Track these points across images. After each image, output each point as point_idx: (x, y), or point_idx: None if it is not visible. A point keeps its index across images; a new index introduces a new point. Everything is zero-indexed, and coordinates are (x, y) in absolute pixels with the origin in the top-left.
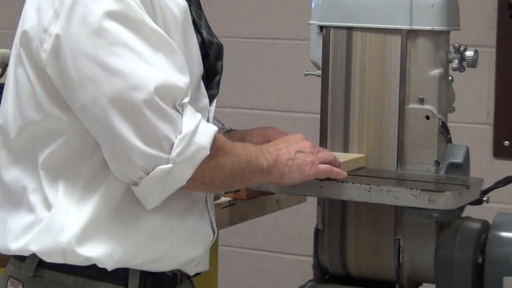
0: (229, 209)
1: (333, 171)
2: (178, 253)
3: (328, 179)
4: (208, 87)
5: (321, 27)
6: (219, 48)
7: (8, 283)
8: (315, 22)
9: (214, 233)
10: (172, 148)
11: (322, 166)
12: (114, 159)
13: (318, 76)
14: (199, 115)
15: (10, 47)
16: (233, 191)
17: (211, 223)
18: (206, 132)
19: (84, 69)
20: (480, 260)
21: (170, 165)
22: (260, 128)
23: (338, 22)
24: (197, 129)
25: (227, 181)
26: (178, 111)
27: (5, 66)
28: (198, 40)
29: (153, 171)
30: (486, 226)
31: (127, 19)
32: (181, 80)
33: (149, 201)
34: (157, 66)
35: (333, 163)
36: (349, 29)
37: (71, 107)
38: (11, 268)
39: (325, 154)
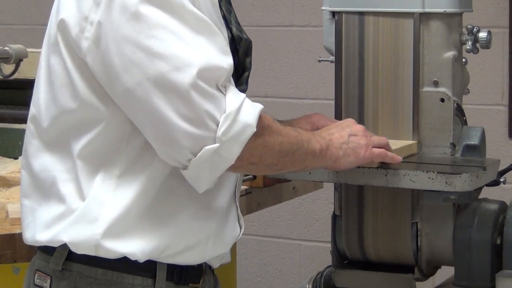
0: (246, 197)
1: (387, 155)
2: (206, 248)
3: (382, 164)
4: (237, 83)
5: (333, 13)
6: (248, 44)
7: (36, 277)
8: (327, 8)
9: (240, 228)
10: (217, 128)
11: (377, 150)
12: (161, 142)
13: (331, 62)
14: (243, 95)
15: (23, 43)
16: (251, 179)
17: (238, 217)
18: (251, 110)
19: (127, 54)
20: (498, 241)
21: (217, 145)
22: (307, 116)
23: (350, 7)
24: (241, 107)
25: (277, 162)
26: (221, 91)
27: (19, 61)
28: (228, 35)
29: (200, 152)
30: (503, 207)
31: (166, 3)
32: (224, 60)
33: (200, 183)
34: (199, 47)
35: (386, 147)
36: (361, 14)
37: (111, 95)
38: (38, 262)
39: (378, 138)
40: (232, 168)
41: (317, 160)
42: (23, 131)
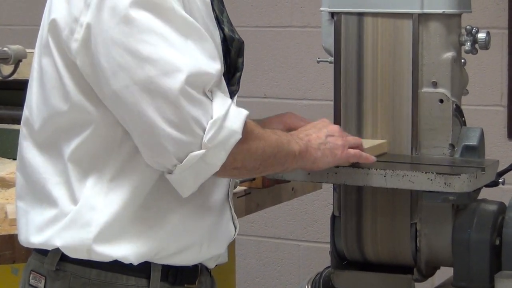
0: (245, 198)
1: (362, 155)
2: (200, 249)
3: (356, 164)
4: (229, 83)
5: (332, 14)
6: (241, 45)
7: (30, 277)
8: (326, 8)
9: (235, 229)
10: (204, 134)
11: (352, 151)
12: (147, 147)
13: (330, 62)
14: (229, 100)
15: (22, 44)
16: (250, 179)
17: (232, 218)
18: (237, 116)
19: (115, 57)
20: (497, 242)
21: (202, 151)
22: (278, 115)
23: (349, 8)
24: (227, 114)
25: (259, 166)
26: (207, 96)
27: (18, 62)
28: (220, 36)
29: (186, 158)
30: (502, 208)
31: (156, 7)
32: (212, 66)
33: (184, 188)
34: (187, 53)
35: (360, 147)
36: (360, 14)
37: (101, 97)
38: (33, 262)
39: (353, 138)
40: (216, 174)
41: (297, 161)
42: None
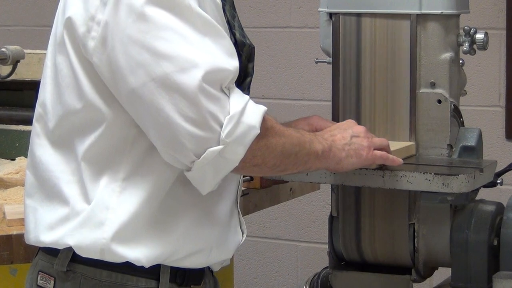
0: (243, 198)
1: (388, 157)
2: (210, 254)
3: (381, 166)
4: (239, 88)
5: (330, 14)
6: (251, 50)
7: (39, 278)
8: (324, 9)
9: (243, 234)
10: (221, 129)
11: (378, 152)
12: (165, 144)
13: (328, 63)
14: (246, 96)
15: (21, 44)
16: (248, 180)
17: (240, 223)
18: (255, 112)
19: (133, 54)
20: (495, 243)
21: (220, 147)
22: (305, 118)
23: (347, 8)
24: (245, 109)
25: (280, 163)
26: (225, 93)
27: (16, 62)
28: (231, 40)
29: (204, 154)
30: (500, 208)
31: (172, 4)
32: (230, 63)
33: (204, 185)
34: (205, 49)
35: (387, 149)
36: (358, 15)
37: (116, 96)
38: (41, 263)
39: (379, 139)
40: (235, 170)
41: (320, 161)
42: (20, 132)
